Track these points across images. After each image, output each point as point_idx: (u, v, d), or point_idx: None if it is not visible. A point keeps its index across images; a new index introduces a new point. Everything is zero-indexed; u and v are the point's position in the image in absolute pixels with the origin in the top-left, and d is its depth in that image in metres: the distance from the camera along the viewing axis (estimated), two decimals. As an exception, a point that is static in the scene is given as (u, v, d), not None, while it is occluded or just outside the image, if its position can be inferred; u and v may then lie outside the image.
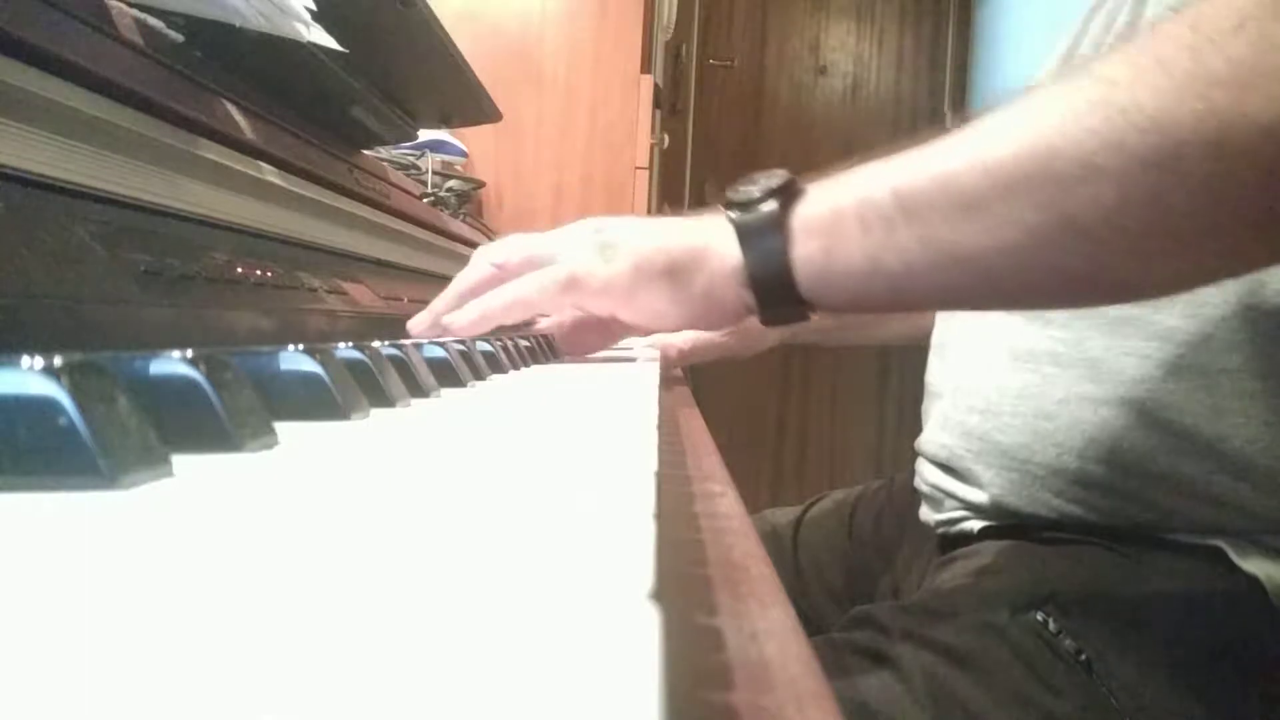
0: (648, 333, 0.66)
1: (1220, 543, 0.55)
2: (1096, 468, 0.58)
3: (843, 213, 0.47)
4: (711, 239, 0.51)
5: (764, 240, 0.49)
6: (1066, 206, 0.40)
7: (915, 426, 0.75)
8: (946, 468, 0.67)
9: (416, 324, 0.62)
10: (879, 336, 0.94)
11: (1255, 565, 0.54)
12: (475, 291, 0.59)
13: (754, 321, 0.52)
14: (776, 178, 0.50)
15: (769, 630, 0.16)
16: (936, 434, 0.68)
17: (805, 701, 0.14)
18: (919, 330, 0.85)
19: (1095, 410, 0.59)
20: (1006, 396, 0.62)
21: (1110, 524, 0.58)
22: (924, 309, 0.56)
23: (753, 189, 0.50)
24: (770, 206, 0.49)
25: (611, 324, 0.62)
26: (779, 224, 0.48)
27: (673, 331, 0.55)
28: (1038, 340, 0.62)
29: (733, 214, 0.50)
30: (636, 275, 0.52)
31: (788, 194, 0.49)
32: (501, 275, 0.59)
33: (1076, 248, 0.40)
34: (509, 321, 0.58)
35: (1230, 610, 0.54)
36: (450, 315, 0.58)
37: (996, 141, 0.42)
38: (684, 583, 0.19)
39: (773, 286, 0.49)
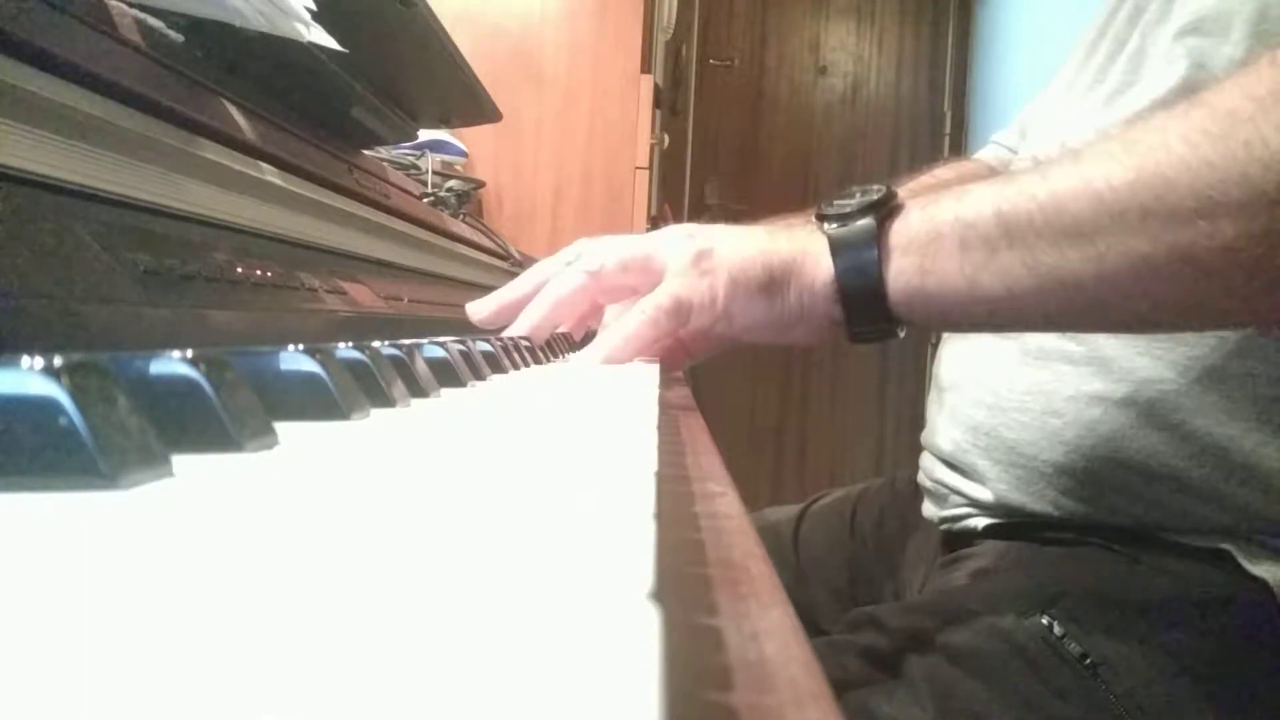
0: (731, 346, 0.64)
1: (1228, 546, 0.55)
2: (1103, 466, 0.58)
3: (941, 231, 0.46)
4: (806, 250, 0.50)
5: (858, 255, 0.48)
6: (1180, 238, 0.40)
7: (915, 426, 0.75)
8: (951, 464, 0.67)
9: (511, 328, 0.60)
10: None
11: (1264, 569, 0.54)
12: (571, 300, 0.58)
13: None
14: (874, 192, 0.49)
15: (769, 630, 0.16)
16: (943, 428, 0.68)
17: (805, 702, 0.14)
18: None
19: (1105, 409, 0.59)
20: (1015, 392, 0.62)
21: (1116, 523, 0.58)
22: (1019, 330, 0.56)
23: (849, 202, 0.49)
24: (866, 221, 0.48)
25: (698, 342, 0.60)
26: (874, 239, 0.47)
27: (765, 342, 0.54)
28: (1050, 338, 0.62)
29: (827, 227, 0.49)
30: (733, 288, 0.51)
31: (885, 209, 0.48)
32: (597, 284, 0.58)
33: (1186, 279, 0.41)
34: (632, 359, 0.57)
35: (1239, 614, 0.54)
36: (582, 361, 0.57)
37: (1108, 168, 0.42)
38: (684, 583, 0.19)
39: (863, 302, 0.48)
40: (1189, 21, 0.57)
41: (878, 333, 0.50)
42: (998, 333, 0.55)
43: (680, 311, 0.52)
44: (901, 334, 0.51)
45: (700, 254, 0.52)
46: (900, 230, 0.48)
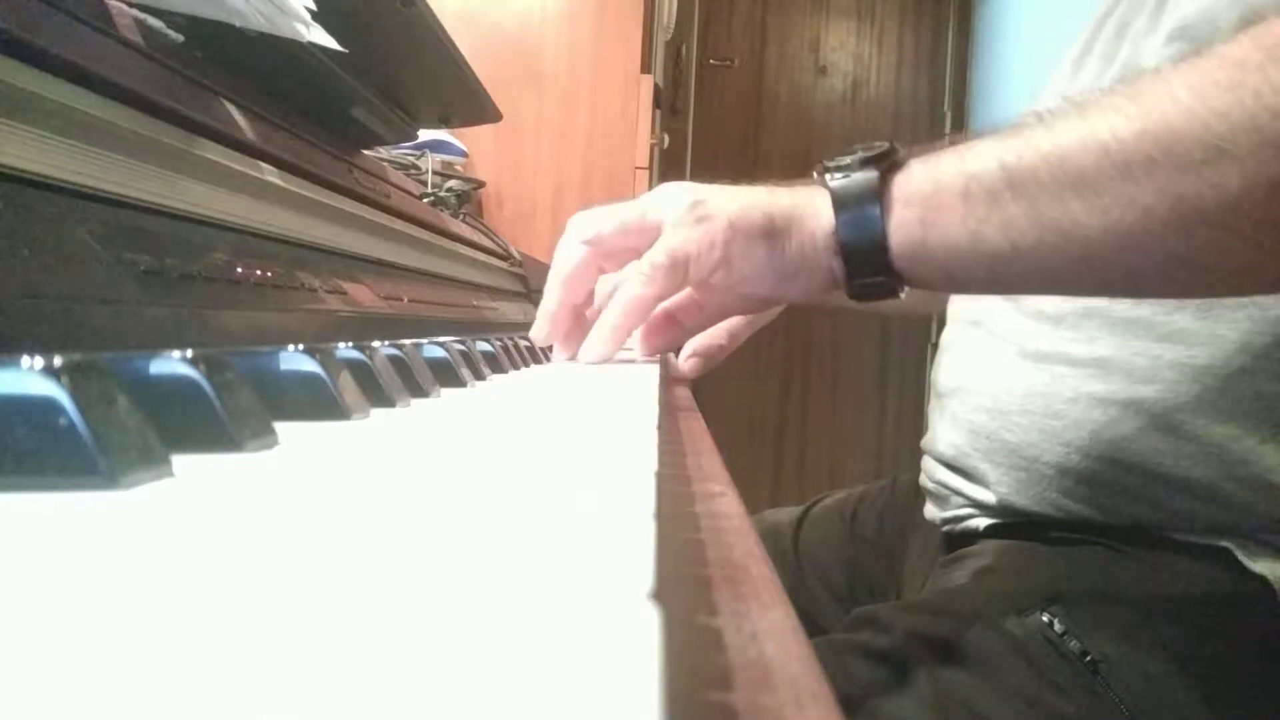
0: (721, 317, 0.60)
1: (1228, 544, 0.55)
2: (1104, 467, 0.58)
3: (944, 184, 0.45)
4: (808, 202, 0.49)
5: (859, 208, 0.47)
6: (1187, 190, 0.39)
7: (915, 426, 0.75)
8: (953, 467, 0.67)
9: (536, 334, 0.59)
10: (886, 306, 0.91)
11: (1265, 566, 0.54)
12: (576, 277, 0.57)
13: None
14: (876, 147, 0.48)
15: (769, 630, 0.16)
16: (944, 433, 0.68)
17: (805, 702, 0.14)
18: (926, 304, 0.84)
19: (1104, 410, 0.59)
20: (1014, 395, 0.62)
21: (1118, 524, 0.58)
22: (1020, 291, 0.55)
23: (851, 157, 0.48)
24: (868, 174, 0.47)
25: (689, 313, 0.58)
26: (876, 192, 0.46)
27: (762, 296, 0.52)
28: (1048, 340, 0.61)
29: (829, 179, 0.48)
30: (732, 232, 0.49)
31: (887, 163, 0.47)
32: (598, 252, 0.56)
33: (1192, 233, 0.40)
34: (637, 326, 0.55)
35: (1239, 611, 0.54)
36: (585, 352, 0.56)
37: (1114, 120, 0.41)
38: (684, 583, 0.19)
39: (864, 256, 0.47)
40: (1178, 28, 0.57)
41: (878, 289, 0.48)
42: (1000, 293, 0.53)
43: (678, 266, 0.50)
44: (903, 294, 0.49)
45: (696, 203, 0.51)
46: (902, 183, 0.47)
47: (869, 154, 0.48)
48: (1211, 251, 0.41)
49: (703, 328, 0.61)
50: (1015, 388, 0.63)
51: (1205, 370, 0.56)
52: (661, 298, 0.52)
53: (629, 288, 0.52)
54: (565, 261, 0.57)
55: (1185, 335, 0.57)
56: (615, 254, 0.57)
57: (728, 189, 0.52)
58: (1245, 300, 0.55)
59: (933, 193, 0.46)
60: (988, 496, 0.63)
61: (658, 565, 0.13)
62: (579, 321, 0.59)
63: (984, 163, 0.44)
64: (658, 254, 0.51)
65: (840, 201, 0.47)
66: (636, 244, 0.54)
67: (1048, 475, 0.60)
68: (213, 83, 0.50)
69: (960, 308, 0.73)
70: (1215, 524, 0.56)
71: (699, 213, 0.50)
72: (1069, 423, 0.60)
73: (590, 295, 0.59)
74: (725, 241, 0.49)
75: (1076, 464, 0.59)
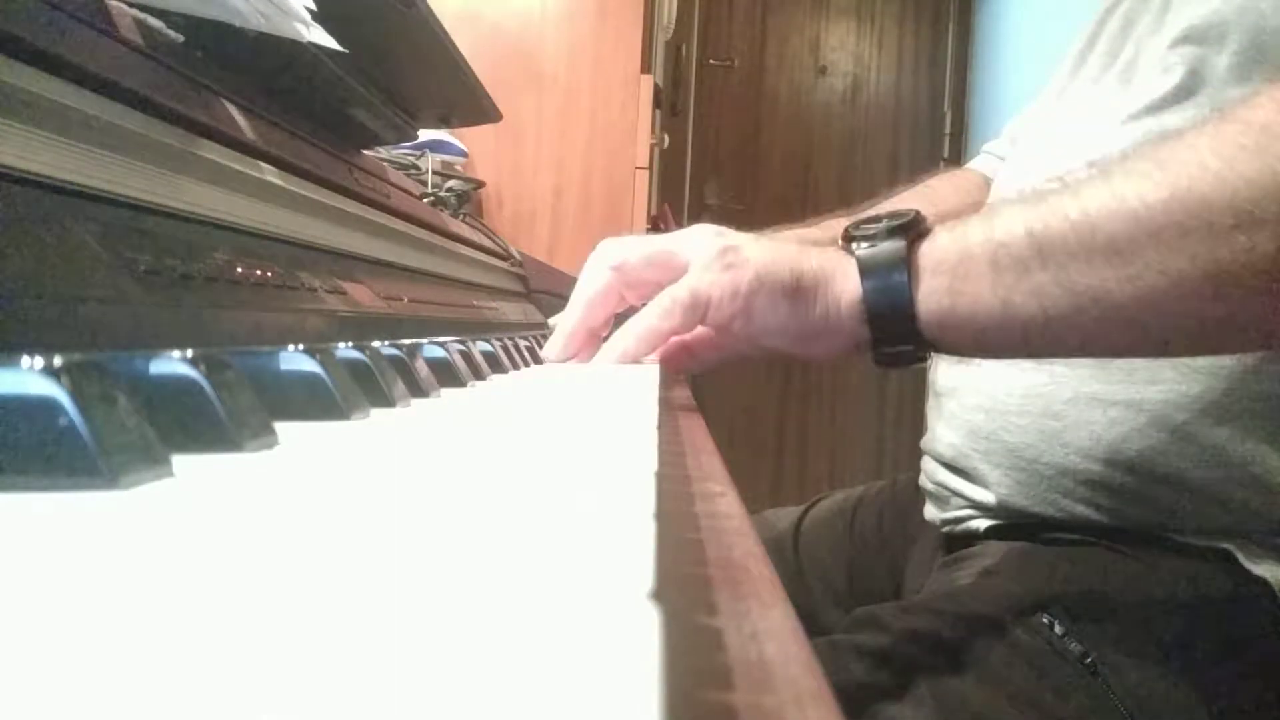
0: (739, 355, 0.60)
1: (1230, 546, 0.55)
2: (1104, 468, 0.58)
3: (972, 252, 0.45)
4: (837, 267, 0.49)
5: (887, 276, 0.47)
6: (1219, 255, 0.39)
7: (915, 426, 0.75)
8: (953, 467, 0.67)
9: (550, 351, 0.60)
10: None
11: (1266, 569, 0.54)
12: (598, 300, 0.58)
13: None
14: (902, 216, 0.48)
15: (769, 630, 0.16)
16: (943, 433, 0.68)
17: (805, 702, 0.14)
18: None
19: (1104, 411, 0.59)
20: (1014, 396, 0.62)
21: (1118, 525, 0.58)
22: (1052, 355, 0.55)
23: (876, 225, 0.48)
24: (895, 242, 0.47)
25: (705, 348, 0.58)
26: (903, 261, 0.47)
27: (778, 351, 0.53)
28: None
29: (856, 248, 0.48)
30: (758, 284, 0.49)
31: (914, 231, 0.48)
32: (621, 279, 0.57)
33: (1225, 296, 0.40)
34: (647, 355, 0.55)
35: (1239, 613, 0.54)
36: (597, 359, 0.56)
37: (1141, 187, 0.41)
38: (684, 583, 0.19)
39: (892, 324, 0.47)
40: (1184, 31, 0.57)
41: (905, 356, 0.49)
42: (1031, 358, 0.55)
43: (697, 306, 0.51)
44: (928, 361, 0.50)
45: (726, 249, 0.51)
46: (929, 252, 0.47)
47: (895, 222, 0.48)
48: (1245, 313, 0.41)
49: (716, 363, 0.61)
50: (1014, 388, 0.63)
51: (1207, 372, 0.56)
52: (675, 333, 0.53)
53: (645, 317, 0.53)
54: (589, 284, 0.58)
55: None
56: (638, 285, 0.57)
57: (760, 239, 0.52)
58: None
59: (960, 261, 0.46)
60: (987, 497, 0.63)
61: (658, 565, 0.13)
62: (593, 344, 0.59)
63: (1011, 230, 0.44)
64: (680, 290, 0.51)
65: (867, 270, 0.48)
66: (660, 278, 0.54)
67: (1047, 476, 0.60)
68: (213, 83, 0.50)
69: None
70: (1216, 526, 0.56)
71: (728, 259, 0.50)
72: (1069, 424, 0.60)
73: (608, 320, 0.60)
74: (749, 292, 0.49)
75: (1076, 465, 0.59)
